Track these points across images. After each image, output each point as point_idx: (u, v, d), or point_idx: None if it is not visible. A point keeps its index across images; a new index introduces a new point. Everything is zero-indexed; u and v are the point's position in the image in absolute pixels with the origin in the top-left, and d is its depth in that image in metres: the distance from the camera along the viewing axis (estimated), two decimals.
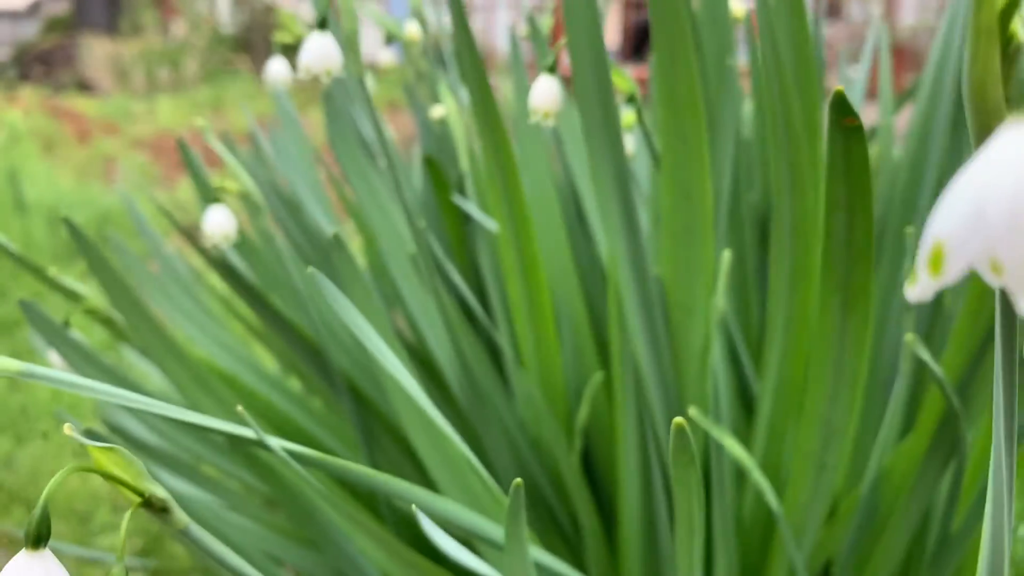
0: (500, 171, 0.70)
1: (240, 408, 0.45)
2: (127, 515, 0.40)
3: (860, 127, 0.43)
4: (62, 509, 1.42)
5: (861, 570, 0.73)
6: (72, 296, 0.75)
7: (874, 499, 0.69)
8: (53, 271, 0.75)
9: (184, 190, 3.30)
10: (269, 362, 1.21)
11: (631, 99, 0.77)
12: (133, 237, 2.59)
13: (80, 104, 5.19)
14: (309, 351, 0.79)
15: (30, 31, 8.86)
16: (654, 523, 0.75)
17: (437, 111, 0.85)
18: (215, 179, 0.89)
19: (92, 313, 0.76)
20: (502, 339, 0.81)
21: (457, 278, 0.73)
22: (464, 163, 0.83)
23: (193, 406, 0.71)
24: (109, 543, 1.33)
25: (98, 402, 1.37)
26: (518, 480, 0.44)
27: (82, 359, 0.72)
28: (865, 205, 0.46)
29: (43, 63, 7.64)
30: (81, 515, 1.41)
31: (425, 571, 0.56)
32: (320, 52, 0.67)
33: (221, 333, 0.93)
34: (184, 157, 0.80)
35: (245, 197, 0.78)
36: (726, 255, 0.71)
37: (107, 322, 0.77)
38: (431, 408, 0.56)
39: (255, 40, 8.14)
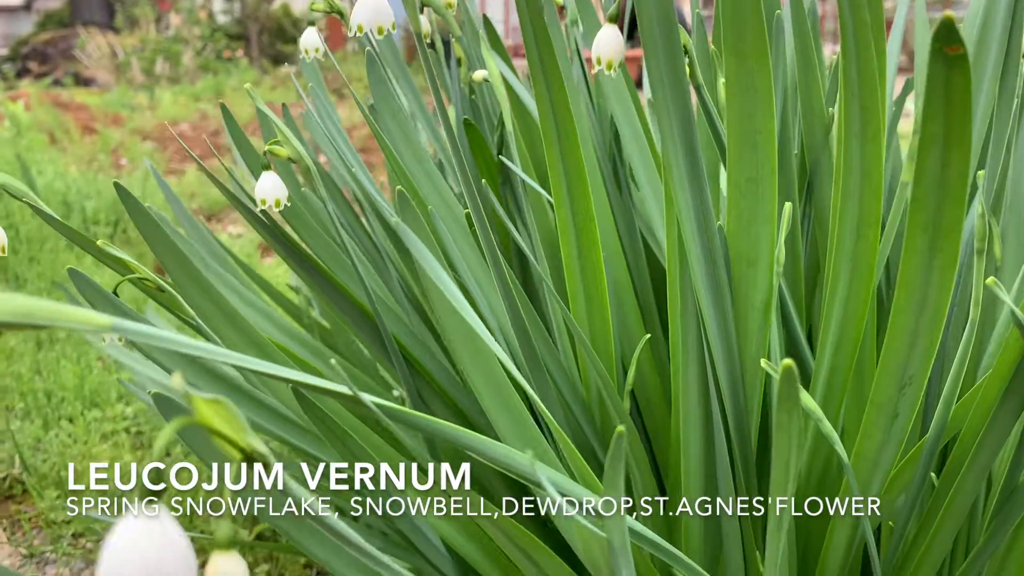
0: (557, 127, 0.69)
1: (334, 361, 0.44)
2: (230, 470, 0.39)
3: (964, 56, 0.42)
4: (93, 490, 1.41)
5: (926, 524, 0.73)
6: (120, 265, 0.74)
7: (940, 449, 0.69)
8: (101, 242, 0.74)
9: (191, 176, 3.28)
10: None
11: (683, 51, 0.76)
12: None
13: (81, 97, 5.17)
14: (362, 319, 0.78)
15: (25, 27, 8.82)
16: (714, 480, 0.74)
17: (479, 74, 0.84)
18: (215, 170, 0.88)
19: (141, 282, 0.74)
20: (551, 298, 0.81)
21: (522, 241, 0.72)
22: (509, 124, 0.81)
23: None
24: None
25: (127, 380, 1.36)
26: (620, 427, 0.44)
27: (123, 317, 0.71)
28: (963, 139, 0.45)
29: (39, 58, 7.60)
30: (111, 496, 1.40)
31: (504, 526, 0.56)
32: (374, 9, 0.66)
33: (261, 304, 0.93)
34: (227, 120, 0.79)
35: (285, 165, 0.77)
36: (788, 206, 0.70)
37: (155, 292, 0.76)
38: (506, 358, 0.56)
39: (250, 30, 8.11)
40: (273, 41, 7.72)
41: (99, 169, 3.32)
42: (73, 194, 2.72)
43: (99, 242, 0.75)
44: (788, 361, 0.43)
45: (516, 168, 0.80)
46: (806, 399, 0.65)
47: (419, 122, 0.89)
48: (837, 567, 0.76)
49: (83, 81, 6.89)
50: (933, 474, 0.76)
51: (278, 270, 2.32)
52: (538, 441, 0.66)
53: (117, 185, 0.68)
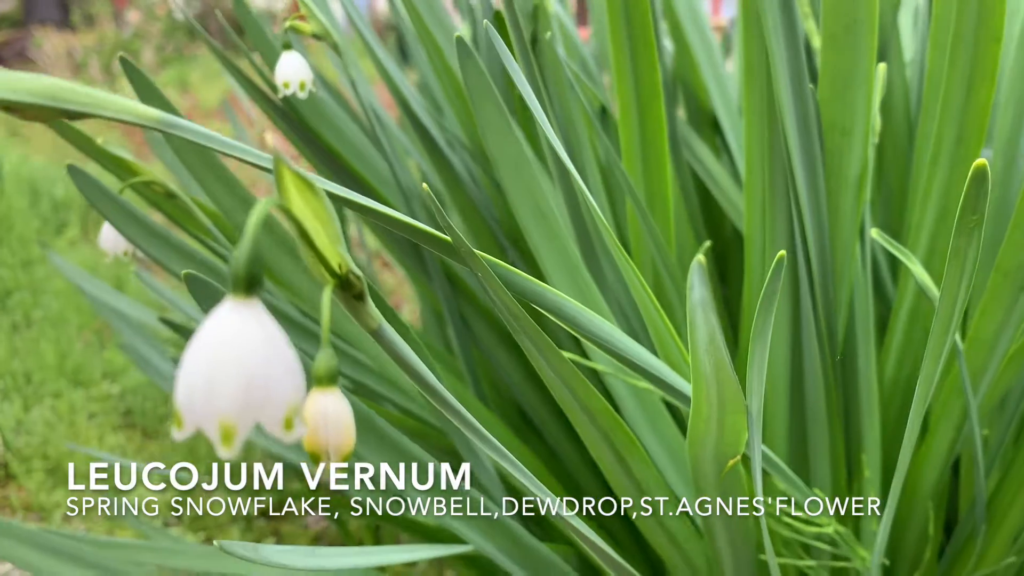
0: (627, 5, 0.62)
1: (430, 197, 0.36)
2: (327, 292, 0.30)
3: None
4: (83, 470, 1.31)
5: None
6: (124, 169, 0.65)
7: None
8: (101, 140, 0.65)
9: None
10: None
11: None
12: None
13: None
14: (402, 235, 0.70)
15: None
16: (800, 387, 0.67)
17: None
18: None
19: (148, 186, 0.65)
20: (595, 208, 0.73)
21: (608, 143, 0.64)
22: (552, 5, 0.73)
23: (278, 270, 0.62)
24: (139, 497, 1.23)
25: (116, 365, 1.25)
26: (782, 252, 0.36)
27: (138, 228, 0.62)
28: None
29: None
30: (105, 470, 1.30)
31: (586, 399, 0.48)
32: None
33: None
34: (236, 7, 0.70)
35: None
36: (882, 67, 0.63)
37: (163, 200, 0.67)
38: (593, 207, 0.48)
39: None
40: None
41: (66, 158, 3.19)
42: (41, 180, 2.59)
43: (99, 140, 0.66)
44: (981, 161, 0.35)
45: (561, 53, 0.72)
46: (917, 270, 0.58)
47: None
48: (934, 477, 0.69)
49: None
50: None
51: None
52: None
53: (123, 59, 0.59)
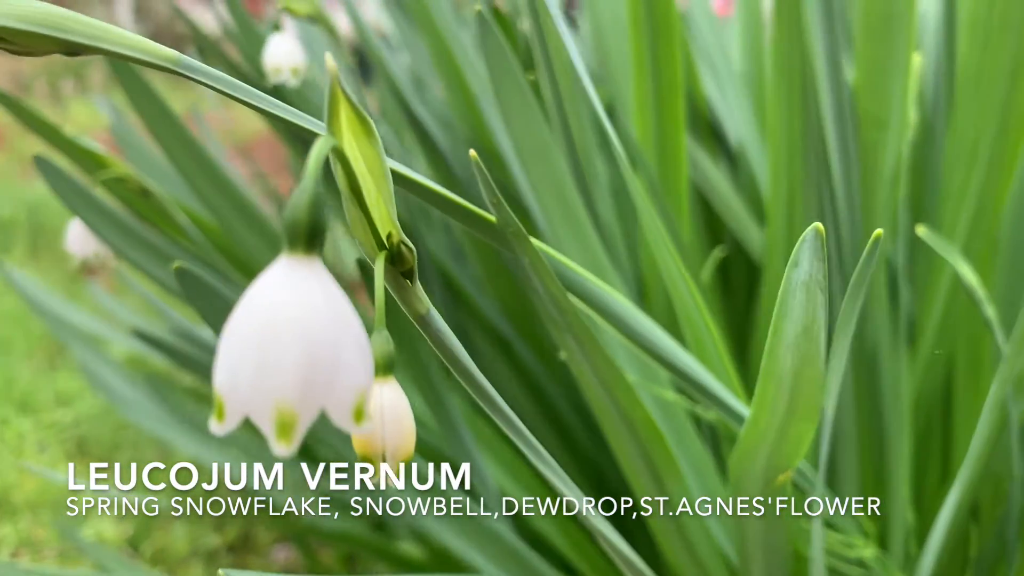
0: None
1: (476, 164, 0.31)
2: (379, 263, 0.25)
3: None
4: (31, 502, 1.22)
5: None
6: (93, 162, 0.59)
7: None
8: (67, 129, 0.59)
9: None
10: None
11: None
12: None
13: None
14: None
15: None
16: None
17: None
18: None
19: (121, 183, 0.59)
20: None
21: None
22: None
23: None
24: (94, 532, 1.15)
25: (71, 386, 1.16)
26: (878, 231, 0.32)
27: (107, 221, 0.56)
28: None
29: None
30: (55, 503, 1.21)
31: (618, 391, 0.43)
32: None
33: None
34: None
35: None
36: (916, 58, 0.60)
37: (136, 200, 0.61)
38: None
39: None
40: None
41: (13, 179, 3.07)
42: None
43: (64, 130, 0.60)
44: None
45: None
46: (964, 271, 0.54)
47: None
48: (971, 492, 0.65)
49: None
50: None
51: None
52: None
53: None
